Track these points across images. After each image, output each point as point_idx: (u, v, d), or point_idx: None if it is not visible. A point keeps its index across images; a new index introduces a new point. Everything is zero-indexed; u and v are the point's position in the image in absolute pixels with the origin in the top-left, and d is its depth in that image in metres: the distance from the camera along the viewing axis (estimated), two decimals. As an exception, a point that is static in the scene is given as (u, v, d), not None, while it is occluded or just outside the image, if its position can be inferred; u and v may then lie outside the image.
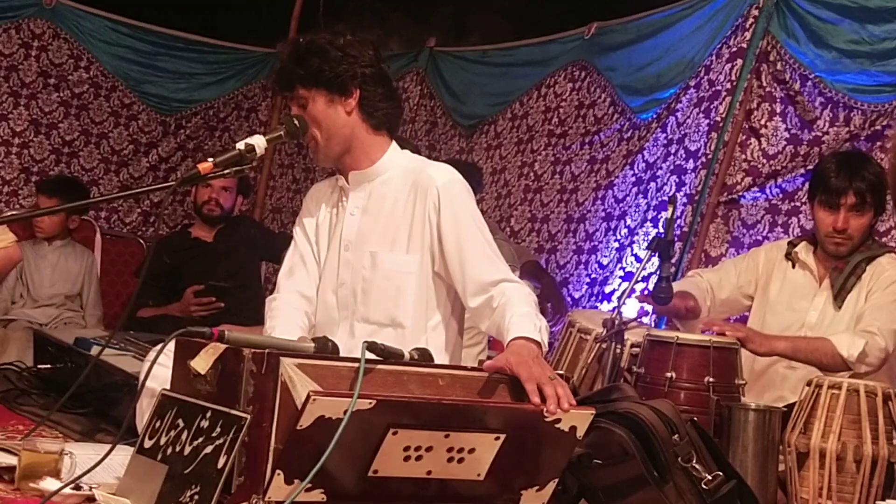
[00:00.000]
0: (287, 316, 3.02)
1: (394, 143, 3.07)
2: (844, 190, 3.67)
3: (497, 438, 2.38)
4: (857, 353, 3.48)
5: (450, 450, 2.35)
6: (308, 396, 2.15)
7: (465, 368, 2.58)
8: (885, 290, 3.64)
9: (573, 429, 2.46)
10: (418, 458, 2.32)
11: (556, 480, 2.53)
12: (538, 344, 2.65)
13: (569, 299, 5.57)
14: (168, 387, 2.47)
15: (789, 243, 3.92)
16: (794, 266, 3.86)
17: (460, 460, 2.37)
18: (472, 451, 2.37)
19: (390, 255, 2.97)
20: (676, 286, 3.75)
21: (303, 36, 3.09)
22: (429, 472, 2.35)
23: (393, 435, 2.26)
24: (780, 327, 3.78)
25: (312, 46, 2.98)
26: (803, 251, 3.85)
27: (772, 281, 3.89)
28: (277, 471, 2.19)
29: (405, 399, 2.33)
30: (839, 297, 3.71)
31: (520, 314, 2.74)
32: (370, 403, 2.21)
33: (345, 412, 2.17)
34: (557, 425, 2.44)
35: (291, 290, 3.08)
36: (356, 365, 2.31)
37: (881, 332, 3.54)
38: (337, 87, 2.95)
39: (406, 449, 2.30)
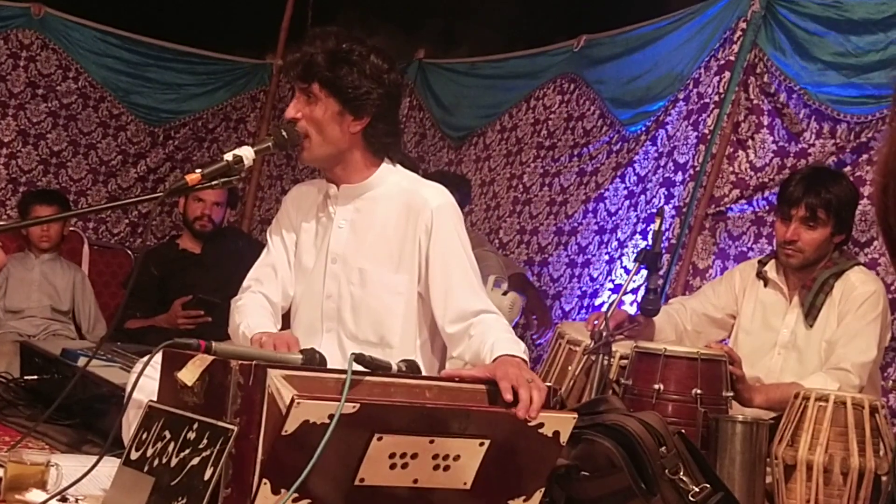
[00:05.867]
0: (257, 311, 2.99)
1: (386, 159, 3.04)
2: (796, 201, 3.67)
3: (482, 444, 2.38)
4: None
5: (435, 457, 2.35)
6: (292, 400, 2.15)
7: (452, 380, 2.58)
8: (857, 311, 3.61)
9: (556, 434, 2.46)
10: (404, 465, 2.32)
11: (543, 490, 2.53)
12: (523, 361, 2.65)
13: (559, 312, 5.57)
14: (155, 398, 2.46)
15: (759, 262, 3.90)
16: (765, 285, 3.85)
17: (446, 468, 2.37)
18: (457, 458, 2.37)
19: (380, 273, 2.95)
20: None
21: (343, 33, 2.97)
22: (415, 481, 2.35)
23: (378, 441, 2.27)
24: (754, 346, 3.76)
25: (349, 56, 2.91)
26: (771, 269, 3.84)
27: (745, 300, 3.88)
28: (264, 480, 2.19)
29: (389, 403, 2.33)
30: (810, 314, 3.69)
31: (502, 339, 2.75)
32: (354, 408, 2.21)
33: (329, 416, 2.17)
34: (541, 430, 2.44)
35: (257, 293, 3.05)
36: (343, 376, 2.31)
37: (854, 368, 3.52)
38: (352, 105, 2.91)
39: (392, 456, 2.30)
